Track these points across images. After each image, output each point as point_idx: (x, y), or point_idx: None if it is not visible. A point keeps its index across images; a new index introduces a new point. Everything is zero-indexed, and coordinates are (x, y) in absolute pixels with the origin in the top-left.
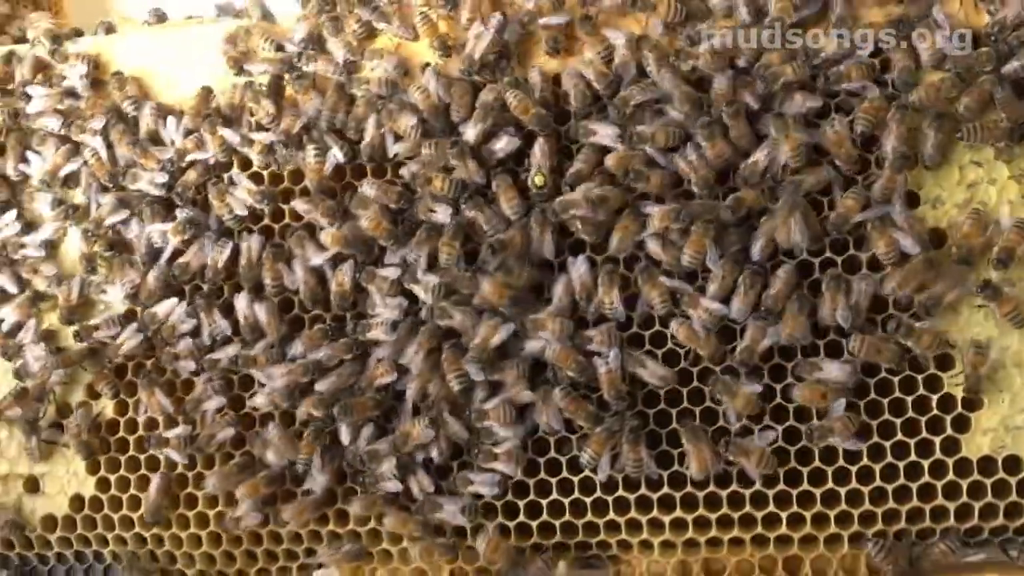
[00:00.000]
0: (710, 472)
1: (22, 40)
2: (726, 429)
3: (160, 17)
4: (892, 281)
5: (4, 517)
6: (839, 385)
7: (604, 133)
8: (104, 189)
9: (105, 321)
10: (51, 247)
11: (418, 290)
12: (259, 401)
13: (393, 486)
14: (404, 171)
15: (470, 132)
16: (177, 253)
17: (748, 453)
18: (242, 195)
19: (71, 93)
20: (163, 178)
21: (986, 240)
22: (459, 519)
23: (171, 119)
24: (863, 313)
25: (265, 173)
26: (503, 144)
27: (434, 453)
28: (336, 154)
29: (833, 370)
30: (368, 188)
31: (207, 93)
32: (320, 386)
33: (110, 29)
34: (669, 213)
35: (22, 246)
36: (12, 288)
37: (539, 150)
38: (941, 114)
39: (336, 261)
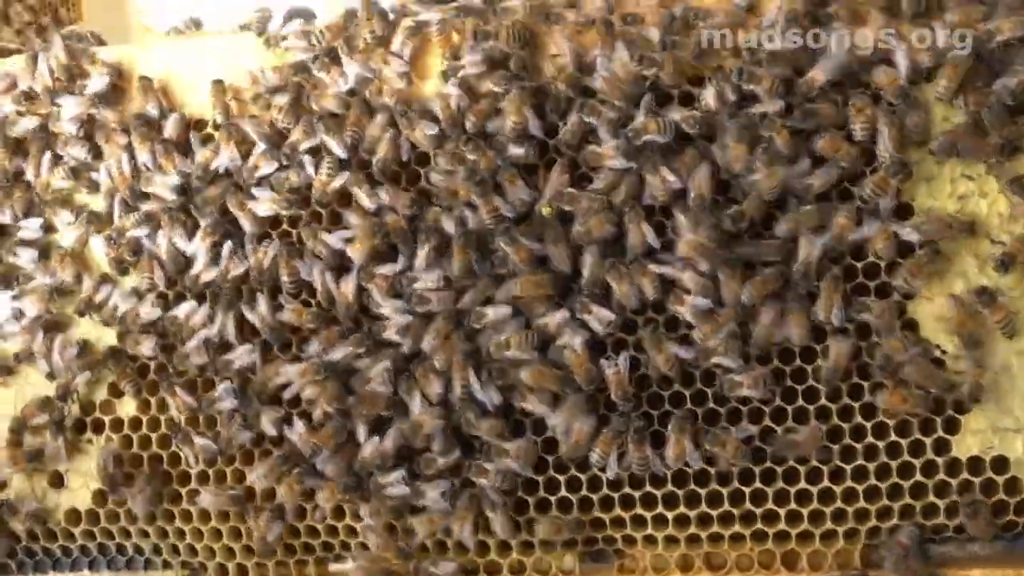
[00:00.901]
0: (685, 461)
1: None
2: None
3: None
4: (900, 277)
5: (27, 508)
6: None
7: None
8: (125, 202)
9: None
10: (44, 254)
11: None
12: (307, 392)
13: (399, 491)
14: (434, 177)
15: (511, 117)
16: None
17: (724, 444)
18: (264, 206)
19: (99, 100)
20: (175, 180)
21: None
22: (440, 504)
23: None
24: (840, 371)
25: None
26: (519, 151)
27: (436, 446)
28: (335, 149)
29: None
30: (383, 193)
31: (220, 86)
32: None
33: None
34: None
35: (15, 254)
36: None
37: (555, 176)
38: (977, 115)
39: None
